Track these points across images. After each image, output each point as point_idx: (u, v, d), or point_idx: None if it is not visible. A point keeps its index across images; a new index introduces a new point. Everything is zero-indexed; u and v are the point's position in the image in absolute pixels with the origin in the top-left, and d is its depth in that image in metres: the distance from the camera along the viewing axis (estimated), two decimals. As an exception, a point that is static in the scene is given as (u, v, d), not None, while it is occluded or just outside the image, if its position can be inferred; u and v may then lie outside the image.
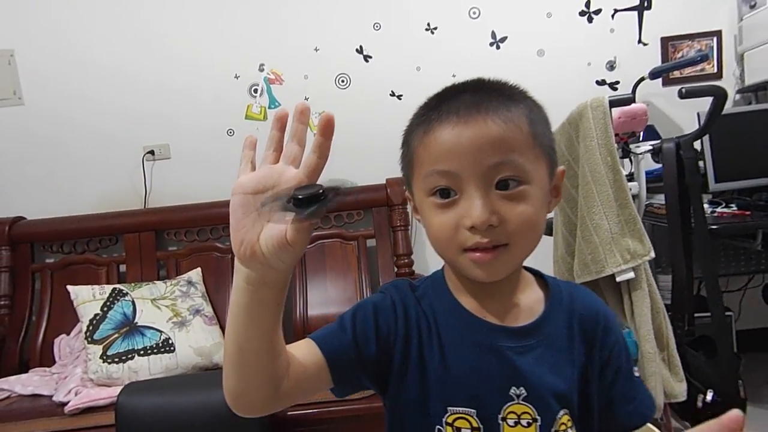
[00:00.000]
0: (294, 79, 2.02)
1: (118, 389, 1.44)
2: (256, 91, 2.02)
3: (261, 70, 2.02)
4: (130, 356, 1.51)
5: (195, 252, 1.90)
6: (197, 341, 1.62)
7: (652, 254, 1.13)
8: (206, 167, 2.02)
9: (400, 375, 0.55)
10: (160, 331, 1.59)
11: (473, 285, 0.54)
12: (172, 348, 1.57)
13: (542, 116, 0.52)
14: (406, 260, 1.90)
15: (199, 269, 1.86)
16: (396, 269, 1.90)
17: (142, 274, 1.87)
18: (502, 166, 0.48)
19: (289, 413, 1.30)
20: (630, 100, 1.17)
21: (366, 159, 1.99)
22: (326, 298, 1.85)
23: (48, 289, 1.85)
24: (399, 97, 2.04)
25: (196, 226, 1.92)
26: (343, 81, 2.04)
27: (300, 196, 0.37)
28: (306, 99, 2.02)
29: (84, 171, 2.01)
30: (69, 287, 1.63)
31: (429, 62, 2.04)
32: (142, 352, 1.53)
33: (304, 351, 0.51)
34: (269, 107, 2.03)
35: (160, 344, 1.56)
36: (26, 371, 1.72)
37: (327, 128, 0.41)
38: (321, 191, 0.37)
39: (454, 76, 2.03)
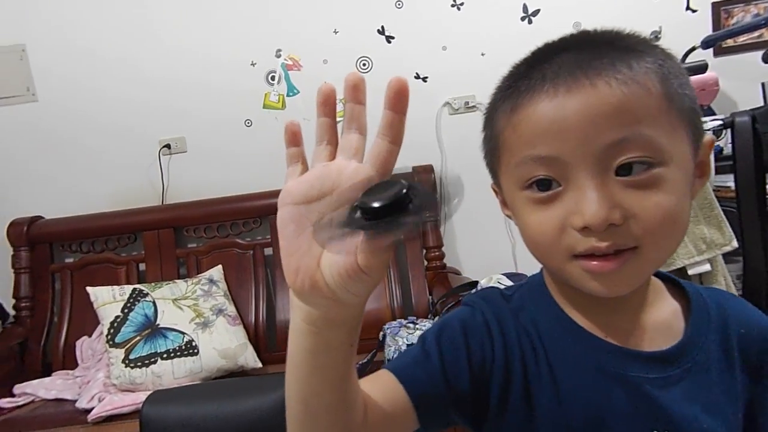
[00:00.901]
0: (313, 64, 1.91)
1: (142, 395, 1.38)
2: (273, 78, 1.92)
3: (278, 55, 1.92)
4: (153, 360, 1.45)
5: (215, 249, 1.83)
6: (221, 343, 1.55)
7: (735, 243, 1.00)
8: (224, 160, 1.94)
9: (499, 409, 0.44)
10: (183, 333, 1.53)
11: (587, 297, 0.42)
12: (195, 351, 1.50)
13: (677, 69, 0.40)
14: (437, 253, 1.79)
15: (220, 267, 1.78)
16: (426, 263, 1.79)
17: (162, 272, 1.80)
18: (624, 144, 0.36)
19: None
20: (703, 67, 1.03)
21: (391, 147, 1.87)
22: (353, 294, 1.75)
23: (68, 290, 1.80)
24: (424, 79, 1.92)
25: (216, 222, 1.85)
26: (364, 64, 1.92)
27: (375, 205, 0.26)
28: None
29: (100, 167, 1.95)
30: (89, 289, 1.57)
31: (455, 41, 1.90)
32: (165, 356, 1.47)
33: (383, 389, 0.41)
34: (287, 95, 1.93)
35: (184, 347, 1.50)
36: (49, 374, 1.68)
37: (400, 98, 0.30)
38: (404, 190, 0.25)
39: (483, 54, 1.89)
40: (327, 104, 0.33)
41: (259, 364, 1.59)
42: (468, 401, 0.44)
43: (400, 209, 0.25)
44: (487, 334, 0.45)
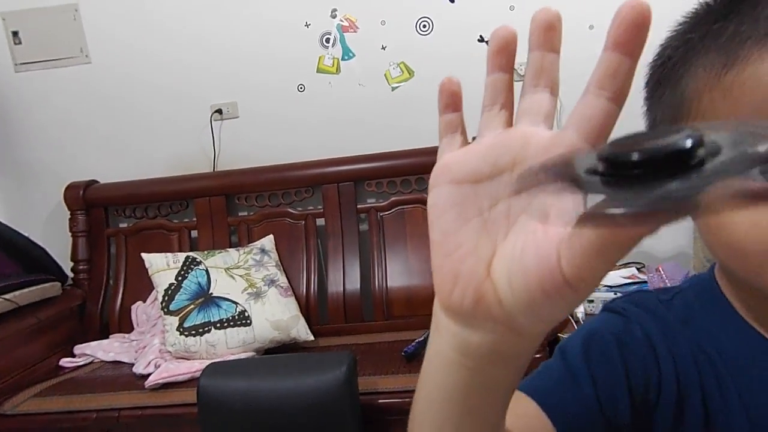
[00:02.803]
0: (369, 26, 1.79)
1: (197, 363, 1.37)
2: (327, 40, 1.81)
3: (333, 16, 1.80)
4: (206, 329, 1.43)
5: (266, 218, 1.78)
6: (273, 314, 1.51)
7: None
8: (276, 126, 1.87)
9: None
10: (236, 303, 1.50)
11: None
12: (248, 321, 1.47)
13: None
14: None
15: (271, 236, 1.74)
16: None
17: (214, 240, 1.78)
18: None
19: (381, 401, 1.16)
20: None
21: (451, 115, 1.75)
22: (407, 268, 1.68)
23: (123, 255, 1.81)
24: (488, 42, 1.76)
25: (268, 191, 1.80)
26: (424, 26, 1.78)
27: (635, 158, 0.15)
28: (383, 48, 1.80)
29: (152, 132, 1.92)
30: (143, 255, 1.56)
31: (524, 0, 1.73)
32: (218, 325, 1.44)
33: (521, 420, 0.32)
34: (342, 59, 1.82)
35: (236, 317, 1.47)
36: (107, 336, 1.71)
37: (637, 33, 0.18)
38: (689, 140, 0.14)
39: (557, 14, 1.71)
40: (504, 53, 0.24)
41: (311, 337, 1.55)
42: None
43: (679, 169, 0.14)
44: (650, 353, 0.36)
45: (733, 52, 0.28)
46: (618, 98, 0.20)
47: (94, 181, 1.88)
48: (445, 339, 0.23)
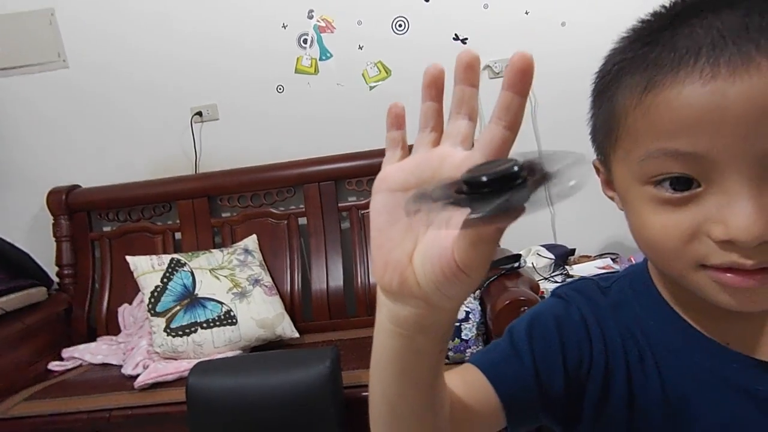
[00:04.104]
0: (346, 26, 1.82)
1: (185, 363, 1.40)
2: (305, 41, 1.84)
3: (310, 17, 1.83)
4: (193, 329, 1.47)
5: (249, 218, 1.81)
6: (259, 313, 1.55)
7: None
8: (256, 127, 1.90)
9: (596, 415, 0.40)
10: (221, 303, 1.53)
11: (707, 301, 0.36)
12: (234, 320, 1.51)
13: None
14: (475, 225, 1.73)
15: (254, 236, 1.77)
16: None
17: (198, 241, 1.81)
18: None
19: (364, 394, 1.21)
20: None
21: (428, 113, 1.79)
22: (389, 266, 1.72)
23: (108, 258, 1.83)
24: (464, 40, 1.80)
25: (250, 191, 1.82)
26: (400, 25, 1.82)
27: (483, 179, 0.22)
28: (360, 48, 1.83)
29: (133, 135, 1.93)
30: (128, 258, 1.59)
31: (498, -2, 1.77)
32: (205, 325, 1.48)
33: (471, 385, 0.38)
34: (320, 59, 1.85)
35: (223, 317, 1.51)
36: (94, 339, 1.73)
37: (522, 76, 0.24)
38: (515, 167, 0.21)
39: (527, 13, 1.76)
40: (434, 87, 0.29)
41: (296, 334, 1.59)
42: (560, 404, 0.40)
43: (510, 186, 0.21)
44: (584, 332, 0.41)
45: (652, 76, 0.32)
46: (512, 126, 0.26)
47: (77, 186, 1.89)
48: (383, 313, 0.30)
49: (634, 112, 0.33)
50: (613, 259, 1.68)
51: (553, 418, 0.42)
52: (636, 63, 0.33)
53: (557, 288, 0.46)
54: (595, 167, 0.42)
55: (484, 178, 0.21)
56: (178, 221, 1.84)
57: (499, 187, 0.21)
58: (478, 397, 0.38)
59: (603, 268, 1.64)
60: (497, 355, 0.41)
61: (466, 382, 0.39)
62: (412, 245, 0.27)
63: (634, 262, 1.60)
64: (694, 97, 0.30)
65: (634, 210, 0.36)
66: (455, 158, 0.27)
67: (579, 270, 1.63)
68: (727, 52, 0.29)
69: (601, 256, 1.72)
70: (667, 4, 0.34)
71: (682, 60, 0.30)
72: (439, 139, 0.29)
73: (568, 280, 1.55)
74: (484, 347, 0.43)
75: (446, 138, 0.29)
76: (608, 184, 0.40)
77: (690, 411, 0.37)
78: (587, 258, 1.72)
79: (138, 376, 1.35)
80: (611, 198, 0.41)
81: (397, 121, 0.31)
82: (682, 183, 0.32)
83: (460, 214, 0.22)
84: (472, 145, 0.28)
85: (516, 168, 0.21)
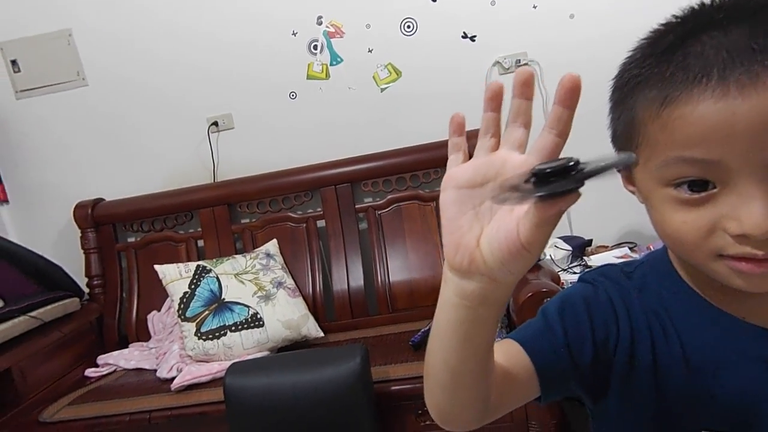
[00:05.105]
0: (355, 30, 1.86)
1: (216, 365, 1.46)
2: (315, 47, 1.88)
3: (319, 23, 1.87)
4: (222, 333, 1.52)
5: (269, 224, 1.86)
6: (284, 314, 1.60)
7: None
8: (271, 134, 1.95)
9: (624, 388, 0.44)
10: (248, 306, 1.58)
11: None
12: (261, 323, 1.56)
13: None
14: (490, 220, 1.76)
15: (275, 240, 1.82)
16: (479, 230, 1.77)
17: (220, 248, 1.86)
18: None
19: (393, 388, 1.25)
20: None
21: (439, 110, 1.82)
22: (408, 264, 1.76)
23: (134, 268, 1.89)
24: (472, 38, 1.83)
25: (268, 197, 1.87)
26: (408, 27, 1.85)
27: (547, 170, 0.27)
28: (370, 51, 1.86)
29: (153, 148, 1.99)
30: (156, 267, 1.64)
31: (504, -5, 1.80)
32: (233, 328, 1.53)
33: (509, 356, 0.43)
34: (330, 64, 1.89)
35: (250, 319, 1.56)
36: (126, 346, 1.79)
37: (572, 95, 0.29)
38: (572, 162, 0.27)
39: (534, 7, 1.79)
40: (495, 100, 0.34)
41: (321, 333, 1.64)
42: (590, 375, 0.45)
43: (568, 176, 0.27)
44: (611, 312, 0.45)
45: (668, 93, 0.36)
46: (562, 134, 0.31)
47: (101, 199, 1.95)
48: (450, 288, 0.35)
49: (653, 124, 0.37)
50: (630, 248, 1.70)
51: (583, 388, 0.46)
52: (652, 80, 0.37)
53: (584, 274, 0.50)
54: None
55: (548, 170, 0.27)
56: (199, 229, 1.90)
57: (560, 177, 0.27)
58: (517, 363, 0.43)
59: (621, 257, 1.66)
60: (532, 331, 0.46)
61: (506, 353, 0.44)
62: (479, 231, 0.33)
63: (653, 250, 1.62)
64: (707, 113, 0.34)
65: (656, 208, 0.40)
66: (515, 161, 0.32)
67: (597, 260, 1.65)
68: (736, 72, 0.32)
69: (618, 245, 1.74)
70: (678, 14, 0.38)
71: (695, 79, 0.34)
72: (498, 144, 0.34)
73: (586, 270, 1.58)
74: (518, 327, 0.48)
75: (504, 143, 0.34)
76: (629, 180, 0.44)
77: (710, 379, 0.41)
78: (604, 248, 1.74)
79: (173, 378, 1.41)
80: (632, 192, 0.44)
81: (459, 128, 0.36)
82: (699, 185, 0.36)
83: (530, 201, 0.28)
84: (525, 150, 0.33)
85: (572, 163, 0.27)
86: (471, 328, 0.35)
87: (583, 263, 1.65)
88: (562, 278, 1.46)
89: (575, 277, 1.57)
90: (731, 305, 0.42)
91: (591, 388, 0.46)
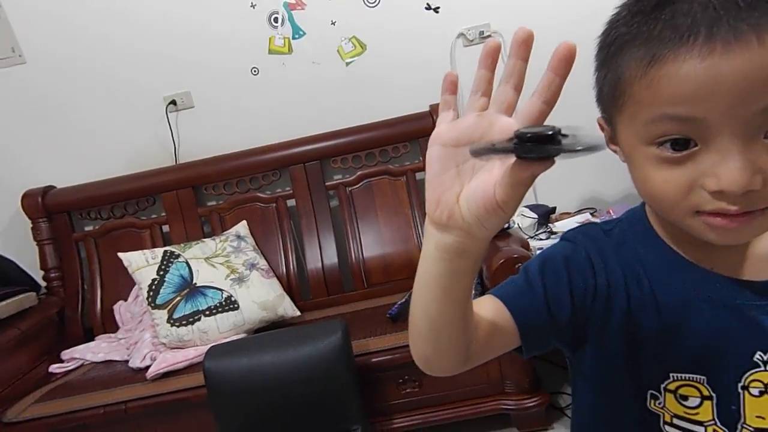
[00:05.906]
0: (317, 2, 1.79)
1: (192, 350, 1.43)
2: (276, 20, 1.81)
3: (278, -6, 1.79)
4: (196, 317, 1.48)
5: (237, 205, 1.81)
6: (259, 296, 1.58)
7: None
8: (234, 112, 1.87)
9: (601, 337, 0.47)
10: (221, 290, 1.55)
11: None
12: (236, 305, 1.53)
13: None
14: (460, 192, 1.79)
15: (244, 222, 1.78)
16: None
17: (187, 232, 1.80)
18: None
19: (373, 360, 1.27)
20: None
21: (405, 84, 1.81)
22: (380, 239, 1.77)
23: (95, 257, 1.80)
24: (436, 9, 1.81)
25: (234, 178, 1.82)
26: (371, -2, 1.81)
27: (528, 135, 0.29)
28: (333, 24, 1.81)
29: (105, 129, 1.88)
30: (120, 254, 1.57)
31: (467, -35, 1.78)
32: (207, 313, 1.50)
33: (491, 310, 0.45)
34: (293, 38, 1.83)
35: (224, 302, 1.52)
36: (92, 339, 1.72)
37: (565, 63, 0.30)
38: (551, 132, 0.28)
39: (496, -22, 1.78)
40: (490, 58, 0.34)
41: (298, 312, 1.63)
42: (568, 330, 0.47)
43: (546, 143, 0.28)
44: (589, 268, 0.47)
45: (655, 51, 0.36)
46: (549, 102, 0.32)
47: (51, 187, 1.83)
48: (431, 241, 0.37)
49: (639, 82, 0.38)
50: (591, 213, 1.77)
51: (562, 342, 0.49)
52: (640, 38, 0.37)
53: (566, 232, 0.52)
54: (600, 125, 0.47)
55: (529, 135, 0.29)
56: (163, 214, 1.82)
57: (539, 143, 0.28)
58: (498, 316, 0.45)
59: (583, 222, 1.74)
60: (514, 288, 0.48)
61: (487, 307, 0.46)
62: (459, 188, 0.34)
63: (612, 214, 1.70)
64: (693, 72, 0.34)
65: (638, 166, 0.41)
66: (502, 124, 0.33)
67: (561, 226, 1.71)
68: (722, 31, 0.33)
69: (580, 211, 1.81)
70: None
71: (683, 38, 0.35)
72: (487, 104, 0.34)
73: (552, 236, 1.64)
74: (501, 283, 0.50)
75: (493, 103, 0.34)
76: (612, 140, 0.45)
77: (678, 323, 0.44)
78: (567, 215, 1.81)
79: (146, 368, 1.37)
80: (614, 152, 0.46)
81: (451, 86, 0.37)
82: (681, 144, 0.37)
83: (508, 161, 0.30)
84: (513, 112, 0.33)
85: (552, 132, 0.28)
86: (449, 280, 0.37)
87: (548, 230, 1.71)
88: (531, 245, 1.51)
89: (542, 243, 1.63)
90: (703, 258, 0.44)
91: (569, 342, 0.48)
